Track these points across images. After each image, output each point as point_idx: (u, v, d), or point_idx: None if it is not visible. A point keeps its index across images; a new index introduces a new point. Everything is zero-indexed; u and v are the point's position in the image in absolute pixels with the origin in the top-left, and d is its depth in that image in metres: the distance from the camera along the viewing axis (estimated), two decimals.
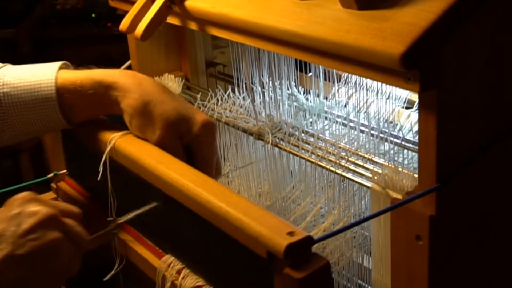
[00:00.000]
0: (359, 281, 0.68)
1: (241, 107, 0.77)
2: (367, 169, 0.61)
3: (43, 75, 0.70)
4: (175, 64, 0.88)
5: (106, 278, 0.72)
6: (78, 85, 0.68)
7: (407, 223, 0.54)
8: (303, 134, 0.69)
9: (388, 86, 0.67)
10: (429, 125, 0.51)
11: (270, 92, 0.76)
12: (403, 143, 0.63)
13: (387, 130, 0.65)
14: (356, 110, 0.70)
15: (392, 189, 0.57)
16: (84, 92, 0.68)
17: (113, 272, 0.72)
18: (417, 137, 0.55)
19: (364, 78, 0.68)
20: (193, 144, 0.67)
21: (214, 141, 0.68)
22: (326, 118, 0.72)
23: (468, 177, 0.54)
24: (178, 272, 0.64)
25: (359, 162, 0.63)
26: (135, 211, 0.67)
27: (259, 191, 0.78)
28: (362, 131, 0.68)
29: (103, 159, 0.69)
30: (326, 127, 0.72)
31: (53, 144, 0.85)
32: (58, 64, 0.72)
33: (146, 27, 0.68)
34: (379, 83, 0.67)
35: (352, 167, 0.63)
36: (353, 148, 0.65)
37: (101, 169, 0.68)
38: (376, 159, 0.63)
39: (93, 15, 2.28)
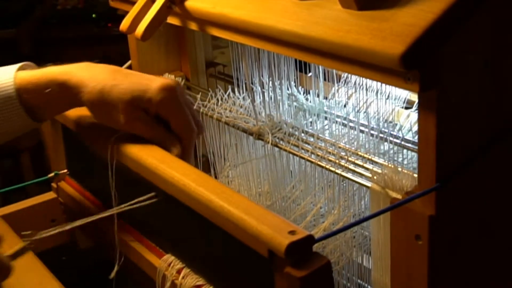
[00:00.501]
0: (358, 280, 0.68)
1: (241, 107, 0.77)
2: (366, 169, 0.61)
3: (2, 76, 0.69)
4: (175, 64, 0.88)
5: (112, 276, 0.72)
6: (34, 84, 0.68)
7: (407, 223, 0.54)
8: (303, 134, 0.69)
9: (387, 86, 0.67)
10: (428, 125, 0.51)
11: (270, 92, 0.76)
12: (402, 143, 0.63)
13: (386, 130, 0.65)
14: (356, 110, 0.70)
15: (392, 189, 0.57)
16: (41, 91, 0.68)
17: (114, 270, 0.73)
18: (416, 137, 0.55)
19: (363, 78, 0.68)
20: (161, 112, 0.66)
21: (179, 101, 0.66)
22: (326, 118, 0.73)
23: (467, 177, 0.55)
24: (178, 271, 0.65)
25: (359, 162, 0.63)
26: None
27: (259, 190, 0.78)
28: (361, 131, 0.68)
29: (109, 162, 0.68)
30: (326, 127, 0.72)
31: (54, 143, 0.85)
32: (18, 65, 0.72)
33: (146, 27, 0.68)
34: (379, 83, 0.67)
35: (351, 167, 0.63)
36: (353, 148, 0.65)
37: (109, 172, 0.68)
38: (375, 159, 0.63)
39: (93, 15, 2.28)
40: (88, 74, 0.67)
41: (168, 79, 0.67)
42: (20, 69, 0.71)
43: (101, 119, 0.68)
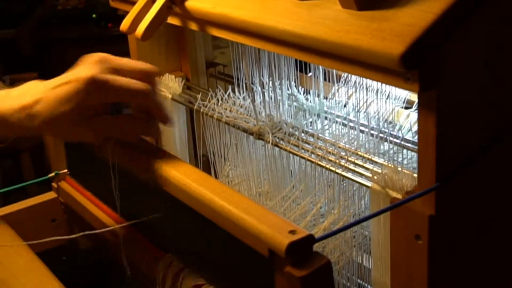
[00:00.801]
0: (358, 280, 0.68)
1: (241, 107, 0.77)
2: (366, 168, 0.62)
3: None
4: (175, 64, 0.88)
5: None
6: None
7: (407, 222, 0.54)
8: (303, 134, 0.70)
9: (387, 86, 0.67)
10: (428, 125, 0.51)
11: (270, 92, 0.76)
12: (402, 143, 0.63)
13: (386, 130, 0.65)
14: (356, 110, 0.70)
15: (392, 189, 0.57)
16: None
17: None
18: (416, 137, 0.55)
19: (363, 78, 0.68)
20: (107, 101, 0.64)
21: (109, 82, 0.62)
22: (326, 118, 0.73)
23: (467, 176, 0.55)
24: (179, 271, 0.65)
25: (359, 161, 0.63)
26: None
27: (259, 190, 0.79)
28: (361, 131, 0.68)
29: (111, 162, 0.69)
30: (326, 127, 0.72)
31: (54, 143, 0.85)
32: None
33: (146, 27, 0.68)
34: (379, 83, 0.67)
35: (351, 166, 0.63)
36: (353, 148, 0.66)
37: (110, 172, 0.68)
38: (375, 158, 0.63)
39: (93, 15, 2.28)
40: (17, 108, 0.63)
41: (86, 69, 0.63)
42: None
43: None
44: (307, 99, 0.75)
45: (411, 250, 0.54)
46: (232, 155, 0.80)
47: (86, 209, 0.80)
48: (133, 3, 0.72)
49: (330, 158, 0.65)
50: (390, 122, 0.68)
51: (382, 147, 0.66)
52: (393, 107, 0.68)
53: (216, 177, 0.83)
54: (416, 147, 0.55)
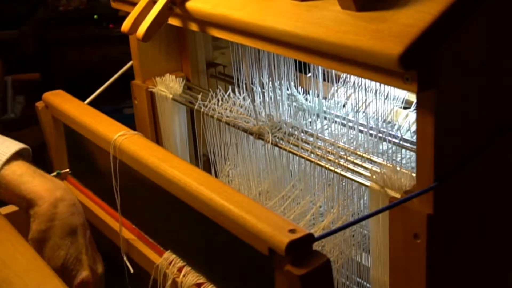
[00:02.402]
0: (357, 279, 0.69)
1: (241, 107, 0.78)
2: (365, 168, 0.62)
3: None
4: (176, 65, 0.88)
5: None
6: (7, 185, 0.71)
7: (405, 221, 0.54)
8: (302, 134, 0.70)
9: (386, 86, 0.67)
10: (426, 125, 0.52)
11: (270, 92, 0.76)
12: (401, 142, 0.63)
13: (385, 130, 0.65)
14: (355, 110, 0.71)
15: (391, 188, 0.57)
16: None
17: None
18: (415, 137, 0.56)
19: (362, 79, 0.69)
20: None
21: None
22: (325, 118, 0.73)
23: (465, 176, 0.55)
24: (179, 269, 0.65)
25: (358, 161, 0.63)
26: None
27: (259, 190, 0.79)
28: (360, 131, 0.69)
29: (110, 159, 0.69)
30: (325, 127, 0.73)
31: (56, 143, 0.86)
32: (17, 148, 0.73)
33: (147, 28, 0.69)
34: (378, 84, 0.67)
35: (351, 166, 0.63)
36: (352, 148, 0.66)
37: (111, 172, 0.69)
38: (374, 158, 0.63)
39: (95, 16, 2.28)
40: (49, 210, 0.69)
41: (89, 275, 0.70)
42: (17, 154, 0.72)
43: (33, 241, 0.70)
44: (306, 99, 0.76)
45: (409, 249, 0.54)
46: (232, 155, 0.81)
47: (88, 207, 0.80)
48: (134, 4, 0.73)
49: (329, 157, 0.65)
50: (389, 122, 0.68)
51: (381, 147, 0.66)
52: (392, 107, 0.69)
53: (216, 176, 0.83)
54: (415, 147, 0.55)
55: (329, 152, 0.66)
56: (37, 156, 0.80)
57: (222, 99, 0.79)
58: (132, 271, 0.72)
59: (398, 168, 0.58)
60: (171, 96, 0.83)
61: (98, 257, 0.72)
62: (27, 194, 0.69)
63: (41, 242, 0.68)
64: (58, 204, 0.68)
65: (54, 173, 0.85)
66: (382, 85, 0.67)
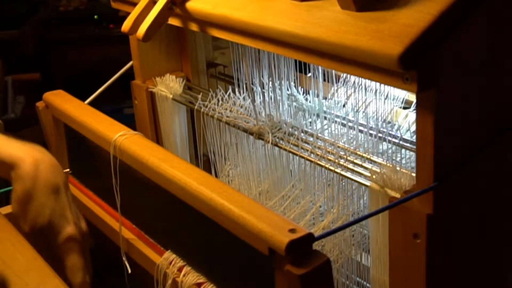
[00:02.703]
0: (357, 278, 0.69)
1: (241, 107, 0.78)
2: (365, 168, 0.62)
3: None
4: (176, 65, 0.89)
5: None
6: None
7: (405, 221, 0.54)
8: (302, 134, 0.70)
9: (386, 86, 0.67)
10: (426, 125, 0.52)
11: (270, 92, 0.76)
12: (401, 142, 0.64)
13: (385, 130, 0.66)
14: (355, 110, 0.71)
15: (390, 188, 0.58)
16: None
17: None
18: (414, 137, 0.56)
19: (362, 79, 0.69)
20: (59, 251, 0.69)
21: (78, 252, 0.69)
22: (325, 118, 0.73)
23: (465, 176, 0.55)
24: (180, 269, 0.65)
25: (358, 161, 0.63)
26: None
27: (259, 189, 0.79)
28: (360, 131, 0.69)
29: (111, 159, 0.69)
30: (325, 127, 0.73)
31: (56, 143, 0.86)
32: None
33: (147, 28, 0.69)
34: (377, 84, 0.67)
35: (351, 166, 0.63)
36: (352, 148, 0.66)
37: (111, 172, 0.69)
38: (374, 158, 0.63)
39: (95, 16, 2.29)
40: (31, 168, 0.68)
41: (77, 230, 0.70)
42: None
43: (14, 206, 0.69)
44: (306, 99, 0.76)
45: (409, 249, 0.54)
46: (232, 155, 0.81)
47: (88, 207, 0.80)
48: (135, 4, 0.73)
49: (329, 157, 0.65)
50: (389, 122, 0.68)
51: (380, 147, 0.66)
52: (392, 107, 0.69)
53: (216, 176, 0.83)
54: (414, 147, 0.55)
55: (329, 152, 0.66)
56: None
57: (222, 99, 0.79)
58: (129, 271, 0.72)
59: (398, 168, 0.58)
60: (171, 96, 0.83)
61: (80, 215, 0.73)
62: (7, 158, 0.68)
63: (25, 202, 0.68)
64: (39, 164, 0.69)
65: None
66: (382, 85, 0.67)
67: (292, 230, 0.50)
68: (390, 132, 0.65)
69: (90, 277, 0.70)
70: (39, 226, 0.67)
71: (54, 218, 0.68)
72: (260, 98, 0.77)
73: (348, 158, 0.64)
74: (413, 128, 0.63)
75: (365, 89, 0.69)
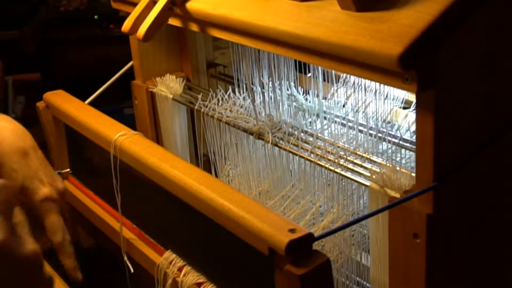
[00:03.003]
0: (357, 278, 0.69)
1: (241, 107, 0.78)
2: (365, 168, 0.62)
3: None
4: (176, 65, 0.89)
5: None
6: None
7: (405, 221, 0.55)
8: (302, 134, 0.70)
9: (386, 86, 0.67)
10: (426, 125, 0.52)
11: (270, 92, 0.76)
12: (400, 142, 0.64)
13: (385, 130, 0.66)
14: (355, 110, 0.71)
15: (390, 188, 0.58)
16: None
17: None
18: (414, 137, 0.56)
19: (362, 79, 0.69)
20: (36, 211, 0.69)
21: (56, 212, 0.69)
22: (325, 118, 0.73)
23: (465, 176, 0.55)
24: (180, 269, 0.65)
25: (358, 161, 0.63)
26: None
27: (259, 189, 0.79)
28: (360, 131, 0.69)
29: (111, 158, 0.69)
30: (325, 127, 0.73)
31: (57, 143, 0.86)
32: None
33: (148, 28, 0.69)
34: (377, 84, 0.67)
35: (350, 166, 0.63)
36: (352, 148, 0.66)
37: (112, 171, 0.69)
38: (374, 158, 0.64)
39: (95, 16, 2.29)
40: None
41: (54, 191, 0.69)
42: None
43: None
44: (306, 99, 0.76)
45: (409, 249, 0.55)
46: (232, 155, 0.81)
47: (88, 207, 0.80)
48: (135, 5, 0.73)
49: (329, 157, 0.65)
50: (389, 122, 0.69)
51: (380, 147, 0.66)
52: (392, 107, 0.69)
53: (216, 176, 0.83)
54: (414, 147, 0.55)
55: (329, 152, 0.66)
56: None
57: (222, 99, 0.79)
58: (132, 270, 0.72)
59: (398, 168, 0.59)
60: (171, 96, 0.84)
61: (56, 175, 0.72)
62: None
63: None
64: (2, 131, 0.68)
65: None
66: (382, 85, 0.67)
67: (292, 230, 0.50)
68: (390, 132, 0.65)
69: (70, 236, 0.70)
70: (14, 190, 0.66)
71: (27, 181, 0.68)
72: (260, 98, 0.77)
73: (348, 158, 0.64)
74: (413, 128, 0.63)
75: (365, 89, 0.69)
